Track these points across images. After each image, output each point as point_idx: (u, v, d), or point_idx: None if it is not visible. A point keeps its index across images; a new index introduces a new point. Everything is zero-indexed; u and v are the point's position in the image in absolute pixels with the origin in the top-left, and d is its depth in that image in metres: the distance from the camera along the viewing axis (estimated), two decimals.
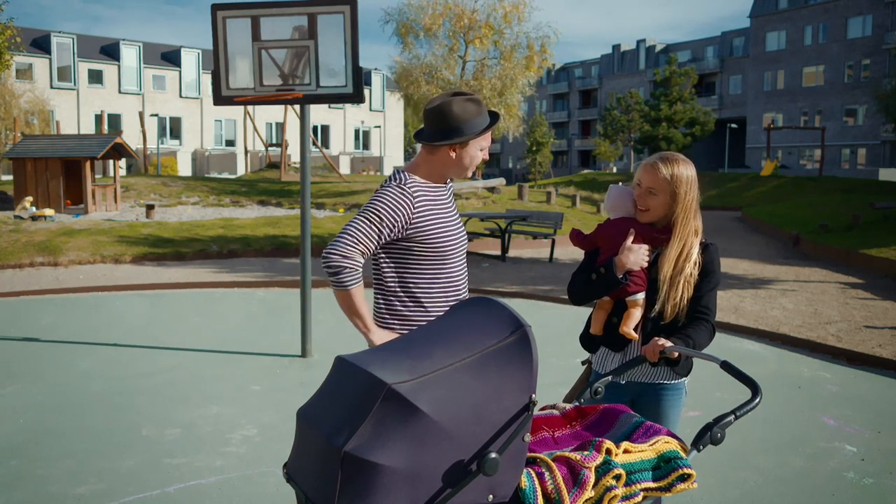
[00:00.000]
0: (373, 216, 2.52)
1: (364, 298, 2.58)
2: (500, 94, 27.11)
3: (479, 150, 2.62)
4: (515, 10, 26.91)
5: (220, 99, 6.43)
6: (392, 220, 2.52)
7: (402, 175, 2.59)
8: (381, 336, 2.56)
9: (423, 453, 1.72)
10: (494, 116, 2.65)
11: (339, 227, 15.88)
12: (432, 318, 2.58)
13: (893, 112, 30.53)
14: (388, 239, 2.56)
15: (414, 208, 2.54)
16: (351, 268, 2.50)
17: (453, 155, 2.59)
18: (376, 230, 2.52)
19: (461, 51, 27.79)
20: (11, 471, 4.09)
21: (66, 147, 17.78)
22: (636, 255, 2.55)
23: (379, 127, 52.94)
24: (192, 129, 45.87)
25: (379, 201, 2.54)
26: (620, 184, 2.79)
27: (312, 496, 1.79)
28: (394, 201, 2.52)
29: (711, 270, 2.59)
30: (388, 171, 46.07)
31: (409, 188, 2.55)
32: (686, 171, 2.56)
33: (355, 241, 2.51)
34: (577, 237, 2.76)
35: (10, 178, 24.97)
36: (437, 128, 2.57)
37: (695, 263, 2.57)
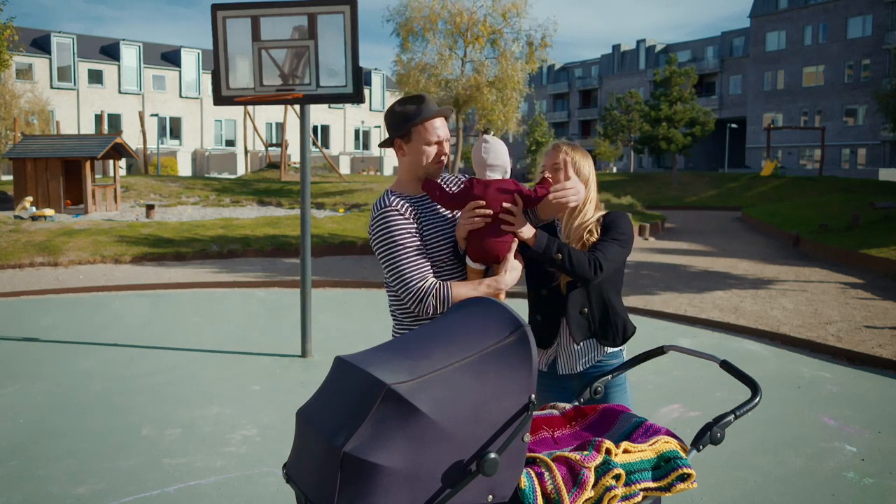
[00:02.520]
0: (398, 246, 2.46)
1: (465, 283, 2.48)
2: (500, 90, 27.12)
3: (424, 144, 2.55)
4: (514, 9, 26.93)
5: (220, 99, 6.43)
6: (411, 232, 2.48)
7: (383, 198, 2.58)
8: (511, 277, 2.51)
9: (423, 454, 1.72)
10: (443, 109, 2.60)
11: (340, 226, 15.88)
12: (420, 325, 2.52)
13: (893, 112, 30.50)
14: (422, 248, 2.50)
15: (408, 218, 2.51)
16: (430, 292, 2.42)
17: (403, 153, 2.60)
18: (414, 250, 2.47)
19: (460, 50, 27.81)
20: (11, 471, 4.09)
21: (66, 147, 17.79)
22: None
23: (379, 127, 52.98)
24: (192, 129, 45.90)
25: (386, 230, 2.48)
26: (493, 133, 2.72)
27: (312, 496, 1.78)
28: (394, 222, 2.48)
29: (610, 227, 2.66)
30: (388, 171, 46.09)
31: (395, 204, 2.52)
32: (580, 152, 2.74)
33: (412, 274, 2.44)
34: (440, 194, 2.54)
35: (10, 178, 24.98)
36: (388, 131, 2.63)
37: (591, 232, 2.67)
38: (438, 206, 2.62)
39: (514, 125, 28.67)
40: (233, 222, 15.87)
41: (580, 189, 2.59)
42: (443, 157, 2.60)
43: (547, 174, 2.69)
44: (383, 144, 2.68)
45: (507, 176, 2.56)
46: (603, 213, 2.74)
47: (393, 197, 2.56)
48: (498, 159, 2.52)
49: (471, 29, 27.02)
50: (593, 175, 2.76)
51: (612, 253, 2.59)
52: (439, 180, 2.66)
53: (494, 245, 2.45)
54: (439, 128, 2.58)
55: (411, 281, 2.43)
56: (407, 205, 2.54)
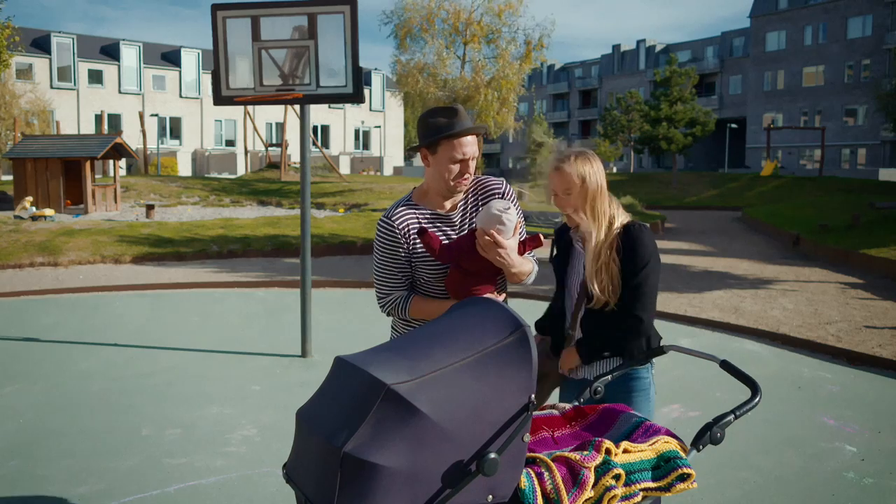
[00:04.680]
0: (376, 260, 2.68)
1: (426, 300, 2.66)
2: (497, 90, 27.16)
3: (449, 160, 2.53)
4: (509, 7, 26.98)
5: (220, 99, 6.43)
6: (392, 253, 2.61)
7: (393, 207, 2.63)
8: None
9: (423, 454, 1.72)
10: (475, 127, 2.58)
11: (339, 226, 15.88)
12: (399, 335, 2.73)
13: (893, 112, 30.52)
14: (407, 262, 2.63)
15: (403, 236, 2.58)
16: (390, 303, 2.69)
17: (428, 164, 2.60)
18: (388, 269, 2.65)
19: (458, 50, 27.84)
20: (11, 471, 4.09)
21: (66, 147, 17.78)
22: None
23: (379, 127, 52.94)
24: (192, 129, 45.89)
25: (375, 242, 2.66)
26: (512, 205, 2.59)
27: (312, 497, 1.78)
28: (382, 239, 2.63)
29: (632, 253, 2.56)
30: (388, 172, 46.09)
31: (393, 220, 2.59)
32: (582, 162, 2.60)
33: (380, 286, 2.71)
34: (437, 249, 2.58)
35: (10, 178, 24.97)
36: (417, 138, 2.63)
37: (614, 247, 2.57)
38: (443, 228, 2.64)
39: (512, 125, 28.70)
40: (233, 222, 15.87)
41: (507, 259, 2.51)
42: (467, 176, 2.57)
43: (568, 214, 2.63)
44: (411, 150, 2.70)
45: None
46: (619, 227, 2.60)
47: (402, 209, 2.62)
48: (510, 234, 2.52)
49: (468, 28, 27.07)
50: (603, 183, 2.61)
51: (644, 298, 2.54)
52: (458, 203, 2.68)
53: (473, 294, 2.54)
54: (467, 145, 2.54)
55: (379, 291, 2.71)
56: (410, 221, 2.59)
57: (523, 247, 2.62)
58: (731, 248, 15.55)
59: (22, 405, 5.24)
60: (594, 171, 2.60)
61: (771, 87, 53.34)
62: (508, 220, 2.49)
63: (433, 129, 2.53)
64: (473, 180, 2.70)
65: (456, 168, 2.54)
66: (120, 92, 43.22)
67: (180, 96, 45.53)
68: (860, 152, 49.05)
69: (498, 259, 2.50)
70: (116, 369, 6.20)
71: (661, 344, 2.68)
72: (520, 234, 2.63)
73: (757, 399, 2.19)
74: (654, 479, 2.05)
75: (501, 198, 2.68)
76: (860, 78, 48.13)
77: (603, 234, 2.59)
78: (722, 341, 7.33)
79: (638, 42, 67.12)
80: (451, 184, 2.57)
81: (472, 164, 2.58)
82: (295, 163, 32.16)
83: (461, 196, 2.67)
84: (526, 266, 2.62)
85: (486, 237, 2.48)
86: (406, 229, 2.58)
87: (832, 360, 6.71)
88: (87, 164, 17.21)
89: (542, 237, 2.65)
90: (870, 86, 44.62)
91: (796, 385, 5.91)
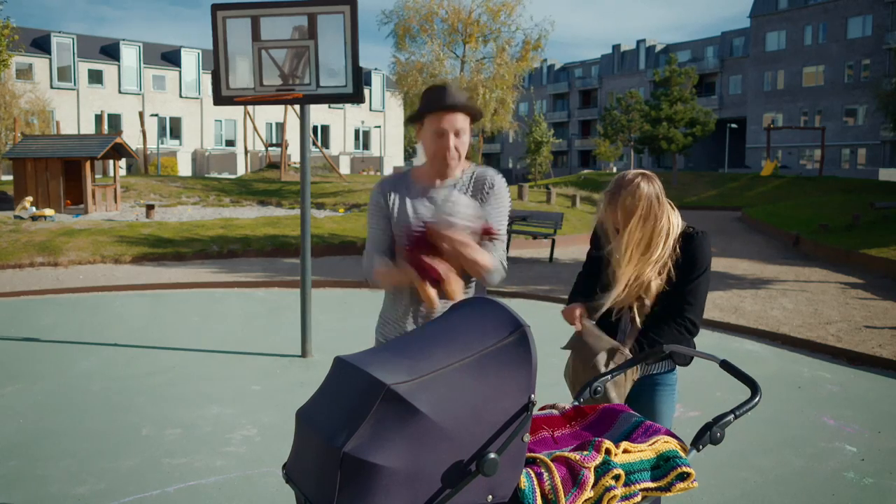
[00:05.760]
0: (369, 219, 2.75)
1: (388, 266, 2.60)
2: (492, 90, 27.19)
3: (431, 134, 2.55)
4: (506, 7, 27.01)
5: (220, 99, 6.43)
6: (376, 212, 2.69)
7: (391, 174, 2.76)
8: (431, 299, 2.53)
9: (423, 454, 1.72)
10: (460, 104, 2.54)
11: (340, 226, 15.89)
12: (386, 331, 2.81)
13: (893, 112, 30.52)
14: (389, 223, 2.68)
15: (384, 197, 2.66)
16: (367, 264, 2.70)
17: (418, 138, 2.66)
18: (373, 227, 2.71)
19: (458, 49, 27.86)
20: (11, 471, 4.09)
21: (66, 147, 17.78)
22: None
23: (379, 127, 52.95)
24: (192, 129, 45.89)
25: (369, 202, 2.75)
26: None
27: (312, 497, 1.78)
28: (372, 197, 2.72)
29: (693, 260, 2.58)
30: (388, 171, 46.09)
31: (382, 181, 2.71)
32: (635, 198, 2.53)
33: (369, 243, 2.75)
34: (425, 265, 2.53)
35: (10, 178, 24.97)
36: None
37: (670, 256, 2.57)
38: (420, 199, 2.65)
39: (509, 125, 28.76)
40: (233, 222, 15.87)
41: (467, 250, 2.48)
42: (449, 153, 2.54)
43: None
44: (409, 119, 2.69)
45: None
46: (680, 232, 2.59)
47: (394, 175, 2.75)
48: (463, 219, 2.50)
49: (467, 28, 27.10)
50: (648, 204, 2.53)
51: (701, 302, 2.58)
52: (455, 186, 2.67)
53: (422, 265, 2.48)
54: (450, 121, 2.51)
55: (366, 254, 2.74)
56: (393, 183, 2.70)
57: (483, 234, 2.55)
58: (730, 248, 15.55)
59: (22, 405, 5.24)
60: (647, 202, 2.54)
61: (771, 87, 53.35)
62: (453, 209, 2.46)
63: (423, 104, 2.60)
64: (472, 170, 2.66)
65: (436, 144, 2.56)
66: (120, 92, 43.22)
67: (180, 96, 45.53)
68: (860, 152, 49.05)
69: (458, 249, 2.45)
70: (116, 369, 6.20)
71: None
72: (481, 222, 2.55)
73: (757, 399, 2.19)
74: (653, 479, 2.05)
75: (491, 188, 2.63)
76: (860, 78, 48.13)
77: (641, 254, 2.57)
78: (722, 341, 7.33)
79: (638, 42, 67.14)
80: (437, 156, 2.57)
81: (455, 139, 2.54)
82: (295, 163, 32.14)
83: (454, 181, 2.63)
84: (485, 257, 2.52)
85: (448, 238, 2.45)
86: (390, 189, 2.67)
87: (832, 360, 6.71)
88: (87, 164, 17.21)
89: (493, 229, 2.56)
90: (870, 86, 44.63)
91: (796, 385, 5.91)
